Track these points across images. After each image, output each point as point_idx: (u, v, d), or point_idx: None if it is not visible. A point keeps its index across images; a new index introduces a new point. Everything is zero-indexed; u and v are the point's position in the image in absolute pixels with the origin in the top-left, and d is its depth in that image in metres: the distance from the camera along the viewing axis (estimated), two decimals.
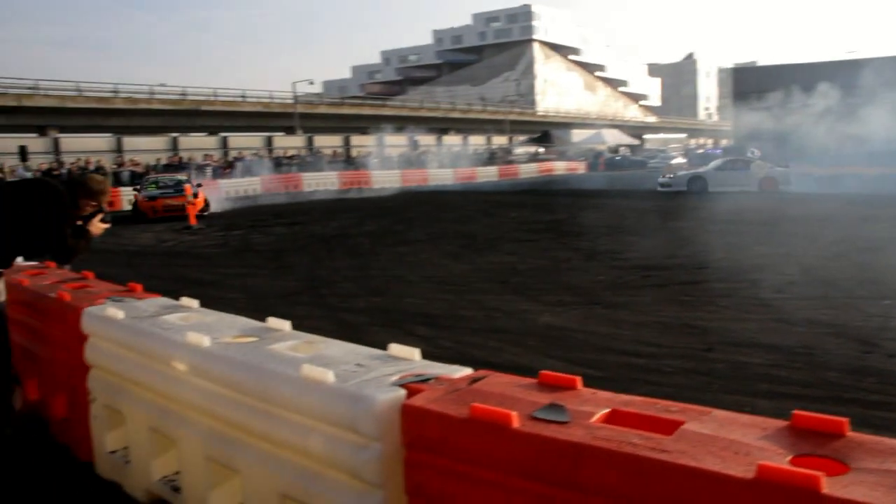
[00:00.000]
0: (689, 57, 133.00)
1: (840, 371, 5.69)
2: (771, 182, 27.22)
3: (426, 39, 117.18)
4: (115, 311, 3.80)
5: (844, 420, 1.97)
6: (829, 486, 1.65)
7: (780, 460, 1.83)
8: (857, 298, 8.18)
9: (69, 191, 4.26)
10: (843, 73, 40.56)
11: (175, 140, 44.79)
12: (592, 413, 2.19)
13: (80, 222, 4.34)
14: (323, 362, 2.80)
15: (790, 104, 45.73)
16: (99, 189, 4.36)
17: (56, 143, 39.69)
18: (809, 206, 19.74)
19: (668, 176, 29.64)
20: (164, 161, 38.40)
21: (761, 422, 2.09)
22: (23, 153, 29.28)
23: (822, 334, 6.77)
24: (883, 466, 1.76)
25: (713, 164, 30.83)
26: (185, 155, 40.89)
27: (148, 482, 3.59)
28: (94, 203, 4.34)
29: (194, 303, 4.11)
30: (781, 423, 2.06)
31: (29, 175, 29.23)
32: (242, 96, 54.48)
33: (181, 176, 27.11)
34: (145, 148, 41.61)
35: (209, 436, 3.09)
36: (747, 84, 49.29)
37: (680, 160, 51.63)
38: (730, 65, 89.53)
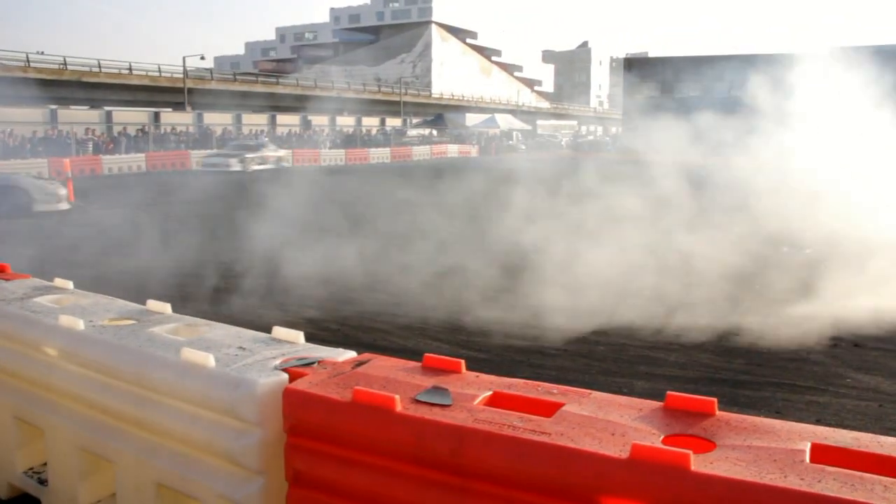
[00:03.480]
0: (584, 45, 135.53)
1: (712, 353, 5.96)
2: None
3: (323, 18, 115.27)
4: None
5: (713, 400, 2.06)
6: (696, 463, 1.72)
7: (654, 440, 1.89)
8: None
9: None
10: (731, 68, 42.31)
11: (54, 112, 42.48)
12: (475, 396, 2.21)
13: None
14: (204, 346, 2.73)
15: (677, 95, 47.51)
16: None
17: None
18: None
19: None
20: (40, 134, 36.43)
21: (637, 403, 2.15)
22: None
23: (696, 317, 7.07)
24: (746, 443, 1.85)
25: None
26: (64, 129, 38.91)
27: (10, 476, 3.39)
28: None
29: (69, 284, 3.92)
30: (656, 404, 2.13)
31: None
32: (129, 69, 52.28)
33: None
34: (20, 120, 39.22)
35: (81, 424, 2.96)
36: (638, 74, 50.78)
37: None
38: (622, 54, 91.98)
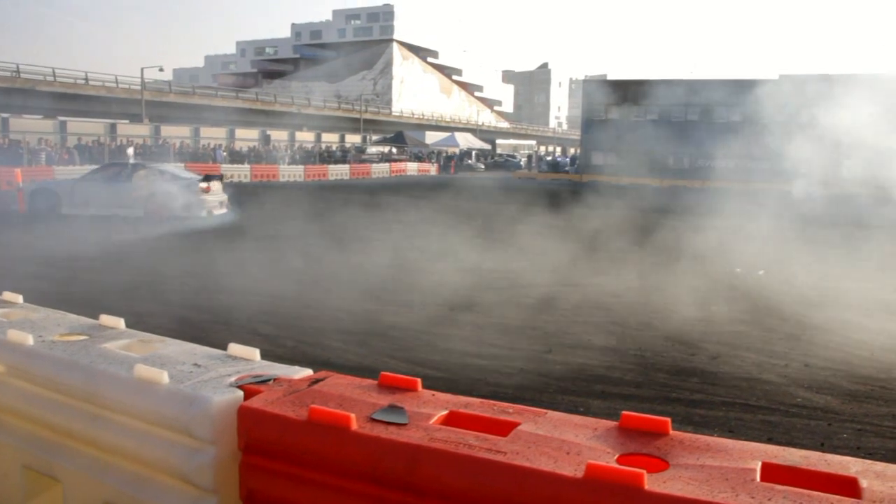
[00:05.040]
0: (544, 66, 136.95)
1: (668, 372, 6.03)
2: (158, 207, 17.36)
3: (284, 33, 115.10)
4: None
5: (667, 420, 2.08)
6: (650, 482, 1.74)
7: (608, 459, 1.90)
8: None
9: None
10: (685, 91, 43.54)
11: (5, 121, 41.61)
12: (431, 415, 2.20)
13: None
14: (158, 362, 2.68)
15: (633, 117, 48.58)
16: None
17: None
18: None
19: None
20: None
21: (592, 422, 2.17)
22: None
23: (655, 337, 7.15)
24: (699, 462, 1.87)
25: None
26: (16, 137, 38.13)
27: None
28: None
29: (18, 298, 3.83)
30: (611, 423, 2.15)
31: None
32: (84, 79, 51.61)
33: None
34: None
35: (28, 442, 2.88)
36: (597, 96, 51.50)
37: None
38: (581, 76, 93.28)
